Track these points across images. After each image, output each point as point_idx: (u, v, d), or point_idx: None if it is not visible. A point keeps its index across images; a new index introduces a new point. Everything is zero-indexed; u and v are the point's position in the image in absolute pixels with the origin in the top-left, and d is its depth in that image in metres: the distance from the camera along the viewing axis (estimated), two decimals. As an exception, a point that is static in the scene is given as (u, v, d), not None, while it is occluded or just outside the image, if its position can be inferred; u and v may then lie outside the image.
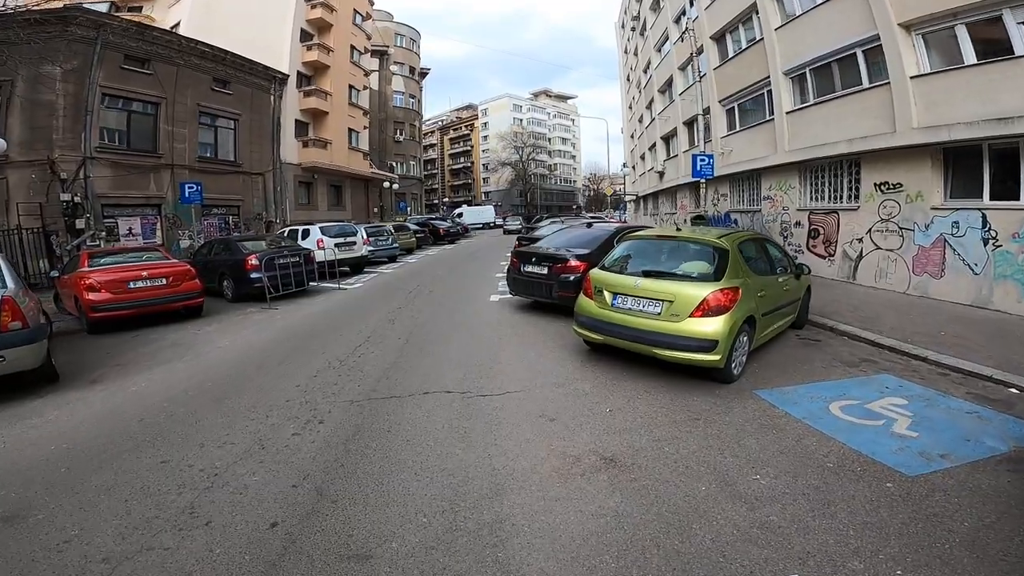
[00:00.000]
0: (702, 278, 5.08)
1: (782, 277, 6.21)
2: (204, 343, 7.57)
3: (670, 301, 4.91)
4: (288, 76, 24.70)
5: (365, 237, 16.84)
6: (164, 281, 8.86)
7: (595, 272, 5.88)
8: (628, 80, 37.20)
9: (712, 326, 4.70)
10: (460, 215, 44.59)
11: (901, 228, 9.93)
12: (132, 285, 8.47)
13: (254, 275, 10.28)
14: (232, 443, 4.00)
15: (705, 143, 18.48)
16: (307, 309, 10.01)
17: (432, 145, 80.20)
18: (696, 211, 14.83)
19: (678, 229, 6.33)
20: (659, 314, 4.98)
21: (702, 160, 13.31)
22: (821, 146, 12.01)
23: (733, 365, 4.95)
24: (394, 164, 39.64)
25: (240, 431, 4.23)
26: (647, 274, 5.28)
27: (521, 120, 78.34)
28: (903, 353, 5.91)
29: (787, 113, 13.51)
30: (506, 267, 10.79)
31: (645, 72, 29.16)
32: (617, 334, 5.26)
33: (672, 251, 5.67)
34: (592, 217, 21.67)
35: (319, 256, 12.73)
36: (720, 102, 17.75)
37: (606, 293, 5.44)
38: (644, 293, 5.12)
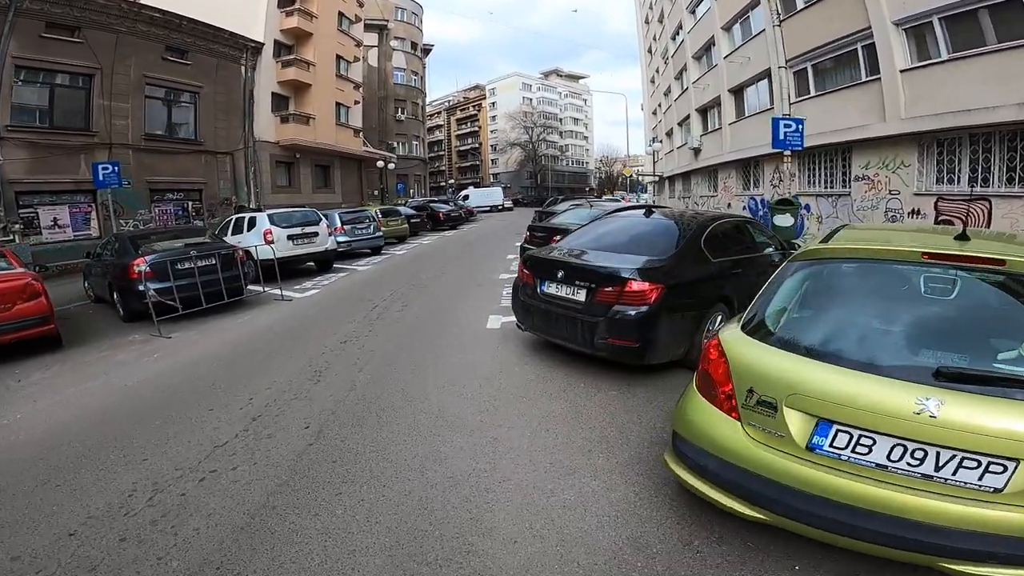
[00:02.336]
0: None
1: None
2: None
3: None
4: (263, 45, 21.93)
5: (339, 225, 13.49)
6: (-22, 304, 5.61)
7: (739, 344, 2.39)
8: (650, 52, 33.25)
9: None
10: (466, 197, 41.67)
11: None
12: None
13: (142, 286, 6.94)
14: None
15: (763, 110, 14.77)
16: (210, 339, 6.71)
17: (438, 127, 78.28)
18: (781, 195, 11.16)
19: (964, 235, 2.25)
20: (998, 491, 1.64)
21: (787, 125, 9.69)
22: (965, 112, 8.41)
23: None
24: (395, 144, 37.26)
25: None
26: (949, 377, 1.81)
27: (531, 100, 74.68)
28: None
29: (902, 72, 9.88)
30: (514, 263, 7.44)
31: (674, 39, 25.29)
32: (848, 529, 1.86)
33: (982, 301, 2.14)
34: (606, 200, 18.14)
35: (267, 253, 9.42)
36: (788, 62, 13.98)
37: (791, 414, 2.04)
38: (950, 440, 1.73)
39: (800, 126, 9.73)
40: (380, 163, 28.81)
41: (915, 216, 9.92)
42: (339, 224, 13.69)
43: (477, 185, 61.29)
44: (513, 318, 5.71)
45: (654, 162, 36.45)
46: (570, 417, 3.82)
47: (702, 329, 4.60)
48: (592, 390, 4.30)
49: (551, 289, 4.87)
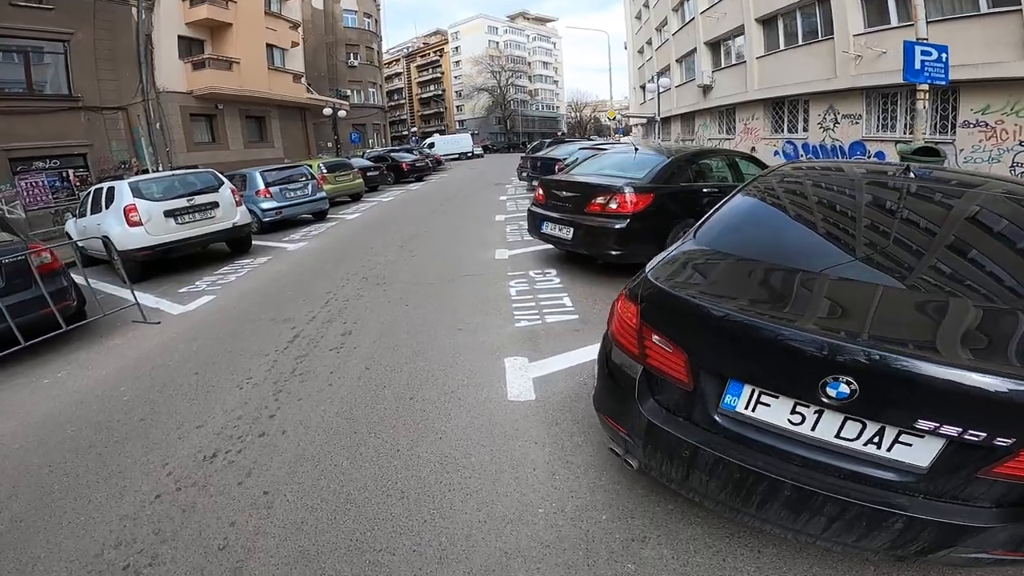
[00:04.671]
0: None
1: None
2: None
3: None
4: (159, -21, 17.85)
5: (261, 187, 9.81)
6: None
7: None
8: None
9: None
10: (431, 145, 38.36)
11: None
12: None
13: None
14: None
15: (817, 39, 11.49)
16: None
17: (397, 74, 76.42)
18: (914, 142, 7.99)
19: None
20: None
21: (925, 53, 6.61)
22: None
23: None
24: (348, 92, 33.72)
25: None
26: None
27: (498, 43, 73.14)
28: None
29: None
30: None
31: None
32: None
33: None
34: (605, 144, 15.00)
35: (134, 240, 5.95)
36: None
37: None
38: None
39: (944, 55, 6.68)
40: (327, 111, 24.74)
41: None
42: (261, 186, 10.00)
43: (442, 132, 59.37)
44: (550, 365, 2.91)
45: (638, 105, 33.09)
46: None
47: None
48: None
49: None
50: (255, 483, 2.69)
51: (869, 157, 10.88)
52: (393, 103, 67.09)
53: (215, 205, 7.52)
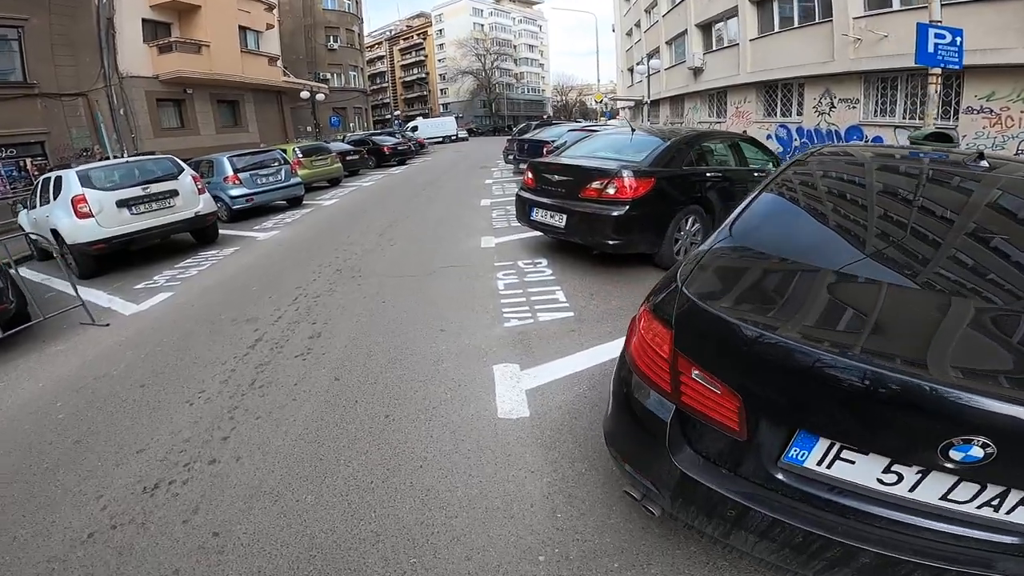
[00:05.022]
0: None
1: None
2: None
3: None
4: (119, -39, 17.01)
5: (229, 174, 9.21)
6: None
7: None
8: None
9: None
10: (415, 129, 37.77)
11: None
12: None
13: None
14: None
15: (813, 22, 11.07)
16: None
17: (380, 57, 74.79)
18: (924, 127, 7.53)
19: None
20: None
21: (939, 36, 6.24)
22: None
23: None
24: (328, 76, 32.99)
25: None
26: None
27: (483, 26, 71.42)
28: None
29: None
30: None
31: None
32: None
33: None
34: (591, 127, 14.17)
35: (87, 233, 5.40)
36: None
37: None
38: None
39: (958, 38, 6.30)
40: (304, 94, 23.93)
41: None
42: (230, 172, 9.36)
43: (426, 116, 58.29)
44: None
45: (626, 88, 32.58)
46: None
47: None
48: None
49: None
50: (203, 521, 2.26)
51: (867, 142, 10.58)
52: (375, 87, 66.16)
53: (174, 193, 6.89)
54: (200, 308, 5.05)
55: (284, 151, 12.10)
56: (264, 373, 3.57)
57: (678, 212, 4.94)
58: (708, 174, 5.28)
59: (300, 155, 12.81)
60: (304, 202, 11.40)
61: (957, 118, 8.67)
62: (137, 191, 6.52)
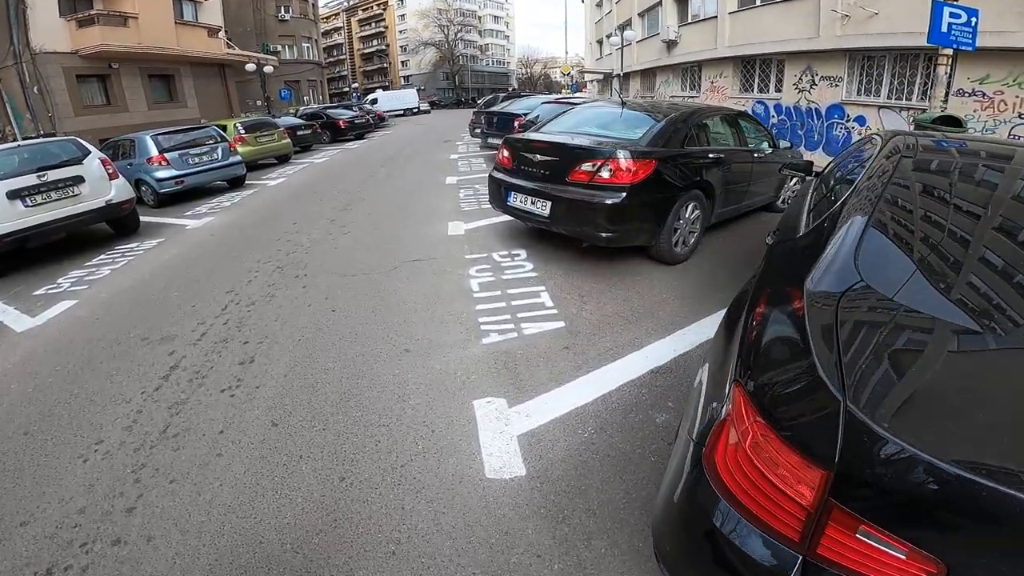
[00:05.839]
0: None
1: None
2: None
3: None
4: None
5: (153, 154, 8.05)
6: None
7: None
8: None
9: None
10: (374, 101, 36.10)
11: None
12: None
13: None
14: None
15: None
16: None
17: (337, 29, 71.80)
18: (930, 110, 6.84)
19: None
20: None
21: (954, 15, 5.72)
22: None
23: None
24: (279, 48, 31.02)
25: None
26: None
27: None
28: None
29: None
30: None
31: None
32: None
33: None
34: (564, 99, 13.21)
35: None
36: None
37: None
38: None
39: (974, 19, 5.80)
40: (250, 67, 21.96)
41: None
42: (154, 152, 8.14)
43: (386, 88, 56.39)
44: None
45: (594, 60, 31.72)
46: None
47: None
48: None
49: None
50: None
51: (848, 121, 10.20)
52: (332, 59, 64.40)
53: (78, 180, 5.71)
54: (106, 322, 4.08)
55: (224, 127, 10.81)
56: (180, 416, 2.75)
57: (679, 198, 4.29)
58: (710, 155, 4.63)
59: (242, 131, 11.49)
60: (248, 182, 10.19)
61: (947, 100, 8.32)
62: (31, 179, 5.33)
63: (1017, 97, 7.48)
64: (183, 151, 8.56)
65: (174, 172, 8.29)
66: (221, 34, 22.52)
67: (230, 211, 7.90)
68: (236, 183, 9.71)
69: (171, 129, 9.03)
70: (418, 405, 2.73)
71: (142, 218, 7.35)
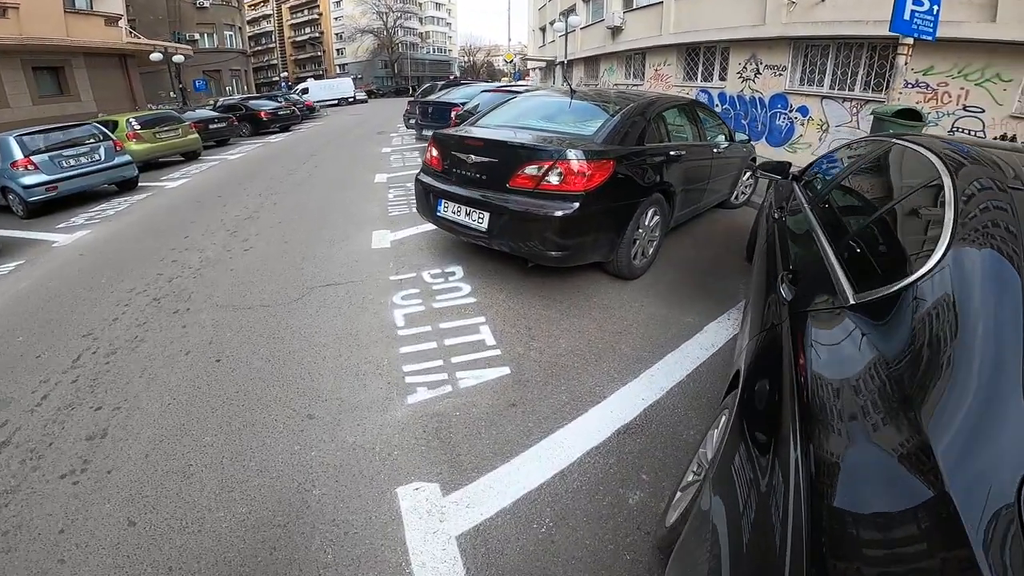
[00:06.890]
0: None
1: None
2: None
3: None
4: None
5: (18, 157, 6.84)
6: None
7: None
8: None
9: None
10: (305, 91, 34.49)
11: None
12: None
13: None
14: None
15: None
16: None
17: (266, 16, 67.57)
18: (889, 102, 6.37)
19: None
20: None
21: (916, 2, 5.38)
22: None
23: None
24: (196, 36, 29.11)
25: None
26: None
27: None
28: None
29: None
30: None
31: None
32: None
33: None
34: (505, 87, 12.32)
35: None
36: None
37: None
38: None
39: (936, 7, 5.50)
40: (155, 56, 19.94)
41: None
42: (19, 156, 6.76)
43: (319, 77, 53.35)
44: None
45: (537, 48, 31.14)
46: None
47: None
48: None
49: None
50: None
51: (791, 111, 10.03)
52: (260, 47, 61.85)
53: None
54: None
55: (114, 123, 9.34)
56: (9, 509, 1.89)
57: (640, 204, 3.65)
58: (671, 152, 4.02)
59: (137, 126, 9.95)
60: (143, 184, 8.79)
61: (886, 91, 8.21)
62: None
63: (962, 89, 7.40)
64: (56, 153, 7.16)
65: (44, 177, 6.90)
66: (122, 22, 20.36)
67: (112, 221, 6.62)
68: (127, 186, 8.30)
69: (41, 128, 7.53)
70: (324, 497, 1.97)
71: (3, 232, 6.10)
